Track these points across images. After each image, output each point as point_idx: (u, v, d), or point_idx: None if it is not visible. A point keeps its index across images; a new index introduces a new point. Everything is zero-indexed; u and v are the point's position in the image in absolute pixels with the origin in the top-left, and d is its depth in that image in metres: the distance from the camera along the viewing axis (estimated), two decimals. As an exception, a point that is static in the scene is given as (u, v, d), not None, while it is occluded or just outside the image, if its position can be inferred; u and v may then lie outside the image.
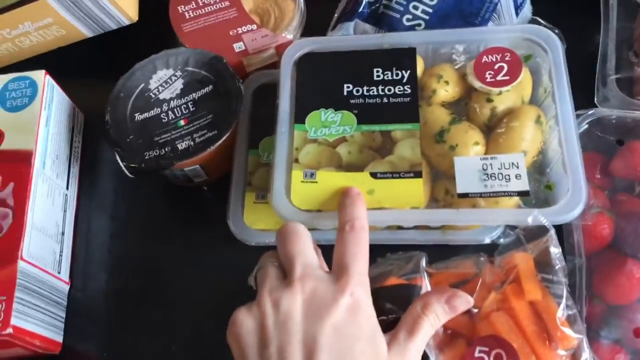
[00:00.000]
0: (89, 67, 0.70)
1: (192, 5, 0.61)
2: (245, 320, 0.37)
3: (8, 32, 0.62)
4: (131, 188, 0.61)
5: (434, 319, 0.39)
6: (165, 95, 0.56)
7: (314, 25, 0.63)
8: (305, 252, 0.40)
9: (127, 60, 0.68)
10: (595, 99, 0.56)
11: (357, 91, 0.52)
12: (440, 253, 0.49)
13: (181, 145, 0.54)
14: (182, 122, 0.55)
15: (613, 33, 0.58)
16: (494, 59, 0.51)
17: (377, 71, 0.53)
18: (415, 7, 0.59)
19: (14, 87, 0.57)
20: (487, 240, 0.49)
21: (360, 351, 0.36)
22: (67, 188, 0.59)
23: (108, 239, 0.59)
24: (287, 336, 0.36)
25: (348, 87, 0.52)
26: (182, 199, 0.60)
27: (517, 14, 0.61)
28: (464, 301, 0.40)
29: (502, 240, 0.48)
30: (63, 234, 0.57)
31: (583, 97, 0.56)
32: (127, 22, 0.64)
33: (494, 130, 0.50)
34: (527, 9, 0.63)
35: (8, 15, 0.60)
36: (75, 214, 0.60)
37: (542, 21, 0.54)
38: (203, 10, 0.61)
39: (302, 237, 0.41)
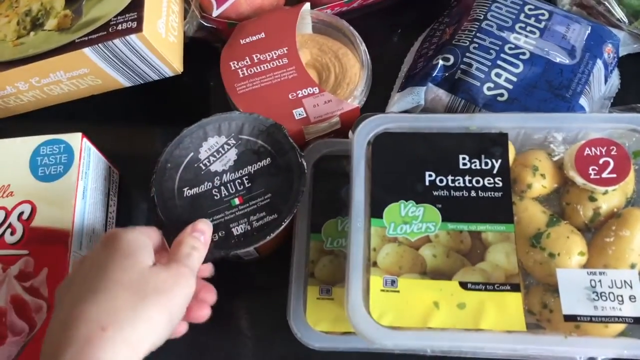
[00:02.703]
0: (123, 115, 0.63)
1: (246, 62, 0.55)
2: None
3: (37, 81, 0.56)
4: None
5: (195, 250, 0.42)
6: (216, 167, 0.50)
7: (372, 80, 0.57)
8: None
9: (167, 112, 0.63)
10: None
11: (441, 181, 0.46)
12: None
13: (237, 230, 0.48)
14: (236, 201, 0.49)
15: None
16: (599, 152, 0.45)
17: (464, 158, 0.47)
18: (498, 75, 0.53)
19: (46, 151, 0.51)
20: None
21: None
22: (103, 263, 0.53)
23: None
24: None
25: (430, 175, 0.46)
26: (233, 276, 0.54)
27: (605, 81, 0.56)
28: (206, 224, 0.44)
29: None
30: (99, 318, 0.51)
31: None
32: (170, 74, 0.57)
33: (598, 235, 0.44)
34: (615, 75, 0.57)
35: (40, 64, 0.54)
36: (110, 290, 0.54)
37: (652, 110, 0.48)
38: (259, 67, 0.54)
39: None
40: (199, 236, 0.43)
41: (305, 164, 0.49)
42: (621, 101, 0.57)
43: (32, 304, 0.46)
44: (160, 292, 0.37)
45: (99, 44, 0.52)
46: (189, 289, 0.39)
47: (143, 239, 0.40)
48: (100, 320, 0.34)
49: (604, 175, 0.45)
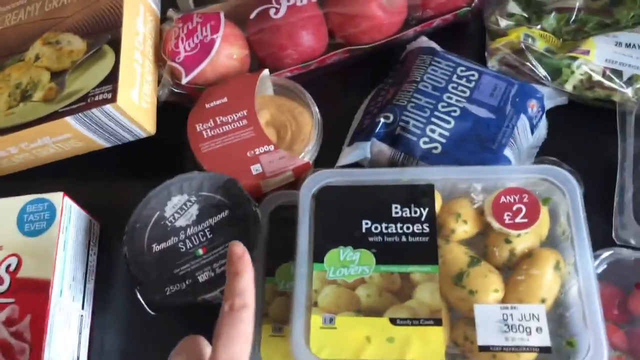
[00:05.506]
0: (105, 170, 0.70)
1: (210, 124, 0.62)
2: None
3: (26, 145, 0.63)
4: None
5: None
6: (181, 222, 0.56)
7: (327, 134, 0.63)
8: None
9: (145, 167, 0.70)
10: (613, 232, 0.56)
11: (376, 228, 0.52)
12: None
13: (202, 277, 0.54)
14: (200, 251, 0.55)
15: (630, 160, 0.58)
16: (512, 200, 0.51)
17: (396, 207, 0.53)
18: (432, 131, 0.60)
19: (32, 209, 0.58)
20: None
21: None
22: (83, 307, 0.59)
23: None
24: None
25: (367, 223, 0.52)
26: (200, 318, 0.59)
27: (532, 132, 0.62)
28: None
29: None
30: (78, 358, 0.57)
31: (600, 221, 0.57)
32: (144, 136, 0.64)
33: (512, 273, 0.50)
34: (542, 126, 0.64)
35: (28, 131, 0.61)
36: (89, 332, 0.60)
37: (559, 162, 0.54)
38: (221, 129, 0.61)
39: None
40: None
41: (259, 213, 0.56)
42: (550, 148, 0.63)
43: (16, 347, 0.52)
44: None
45: (79, 113, 0.59)
46: None
47: None
48: None
49: (517, 220, 0.51)
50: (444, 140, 0.59)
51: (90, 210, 0.64)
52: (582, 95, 0.63)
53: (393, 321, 0.48)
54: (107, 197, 0.68)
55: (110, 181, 0.70)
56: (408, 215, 0.52)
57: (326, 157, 0.64)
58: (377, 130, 0.61)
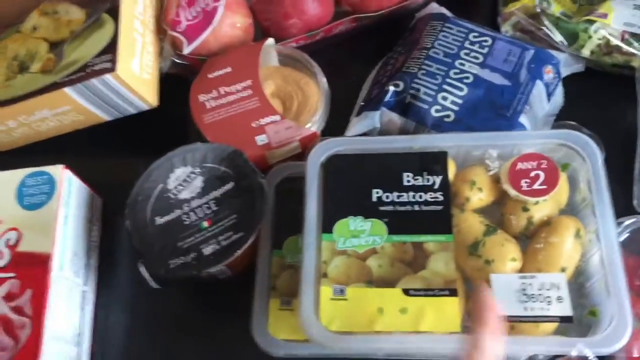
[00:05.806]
0: (107, 145, 0.68)
1: (213, 94, 0.60)
2: None
3: (24, 119, 0.61)
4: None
5: None
6: (185, 194, 0.54)
7: (335, 106, 0.61)
8: None
9: (146, 140, 0.68)
10: (634, 201, 0.54)
11: (387, 197, 0.50)
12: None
13: (206, 250, 0.52)
14: (205, 224, 0.53)
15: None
16: (530, 167, 0.49)
17: (407, 176, 0.51)
18: (444, 98, 0.57)
19: (31, 183, 0.56)
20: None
21: None
22: (85, 284, 0.58)
23: (127, 336, 0.58)
24: None
25: (377, 192, 0.50)
26: (204, 293, 0.58)
27: (548, 99, 0.60)
28: None
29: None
30: (81, 334, 0.55)
31: (620, 190, 0.55)
32: (146, 108, 0.62)
33: (530, 242, 0.48)
34: (558, 93, 0.61)
35: (24, 104, 0.59)
36: (93, 309, 0.58)
37: (579, 126, 0.52)
38: (224, 99, 0.59)
39: None
40: None
41: (265, 185, 0.54)
42: (566, 116, 0.61)
43: (17, 322, 0.50)
44: None
45: (79, 84, 0.57)
46: None
47: None
48: None
49: (535, 187, 0.48)
50: (456, 108, 0.57)
51: (93, 186, 0.62)
52: (599, 61, 0.61)
53: (406, 292, 0.46)
54: (109, 173, 0.66)
55: (112, 156, 0.68)
56: (421, 183, 0.50)
57: (334, 128, 0.61)
58: (386, 99, 0.59)
